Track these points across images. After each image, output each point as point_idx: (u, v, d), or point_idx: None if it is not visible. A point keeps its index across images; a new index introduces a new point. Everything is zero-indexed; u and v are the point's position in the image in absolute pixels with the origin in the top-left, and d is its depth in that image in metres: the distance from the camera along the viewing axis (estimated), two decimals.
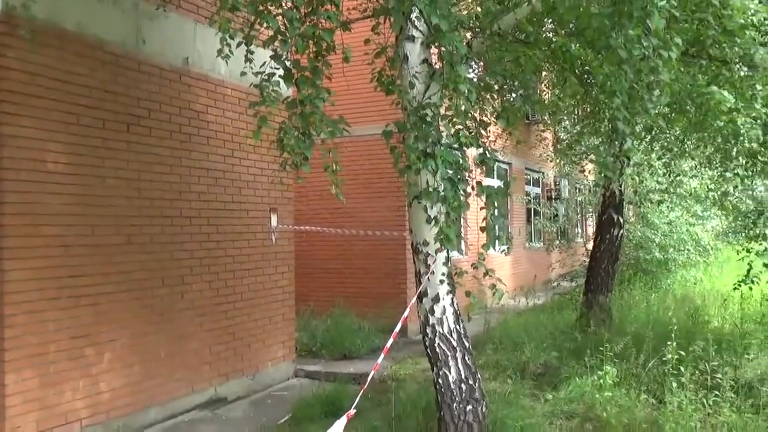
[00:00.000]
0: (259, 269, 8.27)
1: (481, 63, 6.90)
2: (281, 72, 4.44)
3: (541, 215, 18.67)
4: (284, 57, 4.37)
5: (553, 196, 19.77)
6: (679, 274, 15.89)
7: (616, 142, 4.84)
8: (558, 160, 14.83)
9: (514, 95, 8.14)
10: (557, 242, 17.02)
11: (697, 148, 9.36)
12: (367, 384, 4.36)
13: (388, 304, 11.05)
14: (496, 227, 14.54)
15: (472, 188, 5.05)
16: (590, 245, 11.31)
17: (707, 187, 12.59)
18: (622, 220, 10.57)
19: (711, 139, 7.44)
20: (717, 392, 5.73)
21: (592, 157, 9.80)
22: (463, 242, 13.55)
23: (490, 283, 5.14)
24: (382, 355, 4.70)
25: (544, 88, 11.32)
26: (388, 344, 4.66)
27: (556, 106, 9.52)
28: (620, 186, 10.39)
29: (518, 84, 7.88)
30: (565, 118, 12.80)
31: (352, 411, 3.71)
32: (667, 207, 15.47)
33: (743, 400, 5.86)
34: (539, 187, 20.15)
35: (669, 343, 6.19)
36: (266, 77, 4.32)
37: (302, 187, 12.54)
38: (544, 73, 9.66)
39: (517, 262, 17.74)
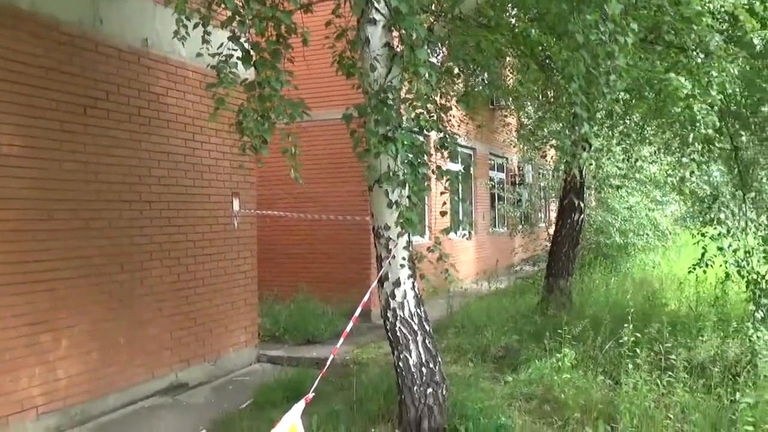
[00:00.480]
0: (220, 254, 8.20)
1: (444, 47, 6.87)
2: (239, 54, 4.37)
3: (504, 200, 18.83)
4: (242, 38, 4.30)
5: (517, 182, 19.94)
6: (638, 258, 16.16)
7: (576, 127, 4.85)
8: (521, 146, 14.93)
9: (476, 80, 8.13)
10: (520, 227, 17.15)
11: (656, 135, 9.47)
12: (326, 368, 4.35)
13: (352, 288, 11.04)
14: (460, 212, 14.60)
15: (433, 172, 5.00)
16: (552, 230, 11.42)
17: (665, 172, 12.79)
18: (582, 205, 10.68)
19: (669, 125, 7.52)
20: (671, 373, 5.84)
21: (554, 142, 9.86)
22: (427, 227, 13.58)
23: (444, 267, 5.17)
24: (341, 339, 4.68)
25: (508, 74, 11.37)
26: (348, 328, 4.64)
27: (518, 92, 9.56)
28: (581, 171, 10.52)
29: (480, 69, 7.88)
30: (528, 103, 12.87)
31: (311, 395, 3.70)
32: (627, 192, 15.69)
33: (695, 381, 5.99)
34: (503, 172, 20.29)
35: (626, 325, 6.26)
36: (224, 59, 4.25)
37: (265, 171, 12.44)
38: (507, 59, 9.70)
39: (481, 247, 17.89)
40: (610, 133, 10.31)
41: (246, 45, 4.36)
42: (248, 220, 8.74)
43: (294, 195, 12.46)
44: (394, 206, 5.18)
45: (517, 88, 9.10)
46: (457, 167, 16.96)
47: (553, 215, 15.51)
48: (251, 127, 4.12)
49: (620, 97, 6.94)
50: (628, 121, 9.34)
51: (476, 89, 7.26)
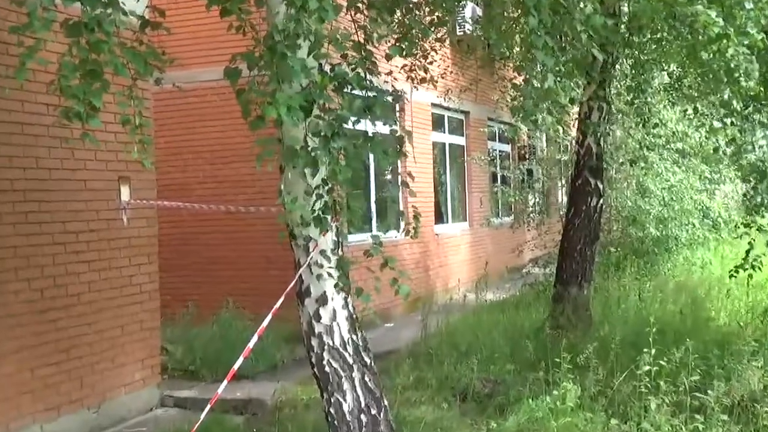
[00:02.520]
0: (104, 261, 7.98)
1: None
2: None
3: (511, 181, 18.52)
4: None
5: (527, 155, 19.58)
6: (682, 256, 16.03)
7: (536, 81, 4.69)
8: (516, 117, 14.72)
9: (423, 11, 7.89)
10: (530, 216, 16.87)
11: (696, 89, 9.33)
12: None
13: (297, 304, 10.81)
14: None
15: (354, 145, 4.97)
16: (564, 222, 11.25)
17: (709, 139, 12.69)
18: (601, 187, 10.52)
19: (702, 77, 7.32)
20: (702, 415, 5.68)
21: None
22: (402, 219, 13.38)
23: (392, 277, 5.17)
24: (225, 383, 4.42)
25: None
26: (236, 366, 4.39)
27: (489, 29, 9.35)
28: (598, 141, 10.30)
29: None
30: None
31: None
32: (665, 168, 15.54)
33: (736, 423, 5.83)
34: (509, 144, 20.07)
35: (645, 350, 6.14)
36: None
37: (173, 145, 12.18)
38: None
39: (477, 244, 17.68)
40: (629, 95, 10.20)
41: None
42: (145, 214, 8.54)
43: (219, 179, 12.18)
44: (314, 195, 5.14)
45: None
46: (447, 138, 16.79)
47: None
48: (74, 87, 3.90)
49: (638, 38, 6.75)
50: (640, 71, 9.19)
51: (421, 23, 6.99)
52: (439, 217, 16.59)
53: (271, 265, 11.49)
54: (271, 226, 11.43)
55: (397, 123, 5.37)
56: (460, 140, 17.60)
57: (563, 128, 13.32)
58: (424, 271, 15.20)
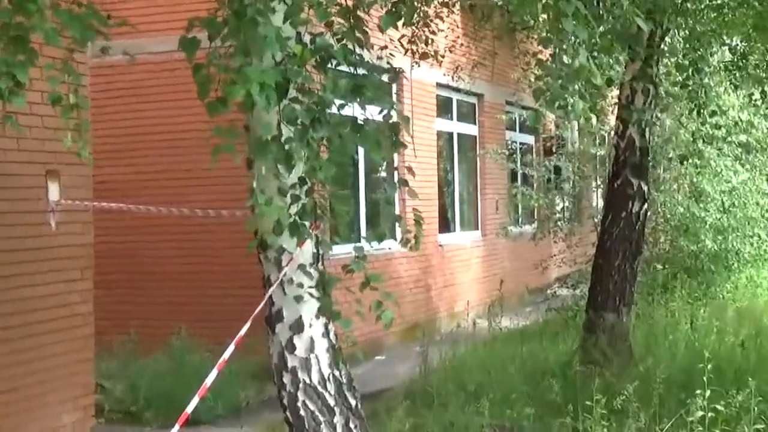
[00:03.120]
0: (25, 276, 7.97)
1: None
2: None
3: (534, 181, 18.54)
4: None
5: (554, 149, 19.50)
6: (745, 275, 16.03)
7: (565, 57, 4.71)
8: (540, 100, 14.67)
9: None
10: (556, 225, 16.78)
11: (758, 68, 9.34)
12: None
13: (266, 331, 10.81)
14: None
15: (339, 135, 5.01)
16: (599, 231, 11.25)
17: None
18: (645, 188, 10.52)
19: None
20: None
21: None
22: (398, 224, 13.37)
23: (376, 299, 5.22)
24: (176, 429, 4.43)
25: None
26: (190, 408, 4.40)
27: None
28: (642, 132, 10.27)
29: None
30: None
31: None
32: (726, 166, 15.56)
33: None
34: (533, 135, 20.04)
35: (698, 392, 6.15)
36: None
37: (120, 134, 12.16)
38: None
39: (492, 258, 17.64)
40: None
41: None
42: (78, 218, 8.55)
43: (173, 175, 12.16)
44: (289, 197, 5.12)
45: None
46: (455, 126, 16.80)
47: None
48: None
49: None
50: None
51: None
52: (445, 225, 16.65)
53: (235, 283, 11.51)
54: (237, 234, 11.38)
55: (394, 108, 5.35)
56: (471, 129, 17.73)
57: (598, 116, 13.29)
58: (425, 291, 15.30)
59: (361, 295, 5.17)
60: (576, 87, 5.11)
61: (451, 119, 16.92)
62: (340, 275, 5.56)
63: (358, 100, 5.11)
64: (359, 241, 12.42)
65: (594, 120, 11.55)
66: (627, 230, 10.45)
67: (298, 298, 5.44)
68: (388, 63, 5.84)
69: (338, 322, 5.47)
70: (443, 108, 16.38)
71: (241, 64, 4.48)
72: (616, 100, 10.85)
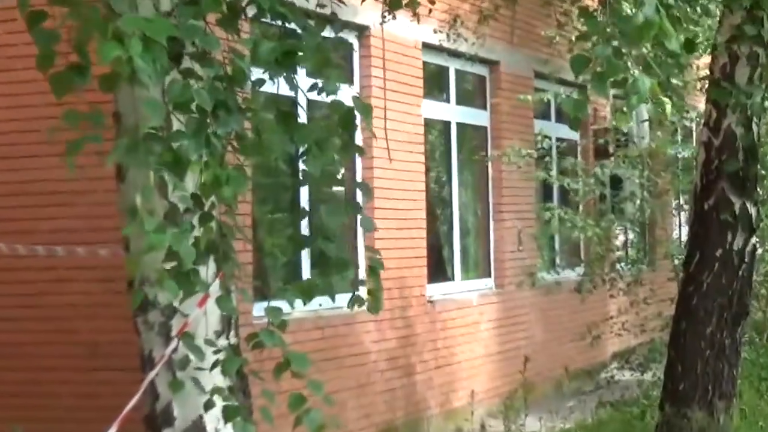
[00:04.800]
0: None
1: None
2: None
3: (578, 198, 14.48)
4: None
5: (610, 149, 15.54)
6: None
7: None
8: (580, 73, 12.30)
9: None
10: (615, 269, 14.04)
11: None
12: None
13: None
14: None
15: (258, 130, 4.61)
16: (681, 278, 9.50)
17: None
18: (753, 211, 8.69)
19: None
20: None
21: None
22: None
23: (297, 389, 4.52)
24: None
25: None
26: None
27: None
28: (747, 124, 8.52)
29: None
30: None
31: None
32: None
33: None
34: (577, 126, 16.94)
35: None
36: None
37: None
38: None
39: (511, 322, 14.08)
40: None
41: None
42: None
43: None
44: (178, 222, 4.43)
45: None
46: (453, 110, 13.40)
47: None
48: None
49: None
50: None
51: None
52: (438, 270, 12.99)
53: (99, 361, 9.27)
54: (100, 284, 9.28)
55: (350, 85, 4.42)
56: (479, 117, 13.89)
57: (674, 100, 10.62)
58: (406, 374, 11.72)
59: (277, 386, 4.52)
60: (640, 52, 4.31)
61: (448, 101, 13.12)
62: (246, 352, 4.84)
63: (289, 73, 4.46)
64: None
65: (668, 106, 9.35)
66: (725, 278, 8.62)
67: (195, 388, 4.54)
68: (332, 12, 5.20)
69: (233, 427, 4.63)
70: (434, 83, 12.71)
71: (106, 14, 3.86)
72: (706, 74, 9.27)
